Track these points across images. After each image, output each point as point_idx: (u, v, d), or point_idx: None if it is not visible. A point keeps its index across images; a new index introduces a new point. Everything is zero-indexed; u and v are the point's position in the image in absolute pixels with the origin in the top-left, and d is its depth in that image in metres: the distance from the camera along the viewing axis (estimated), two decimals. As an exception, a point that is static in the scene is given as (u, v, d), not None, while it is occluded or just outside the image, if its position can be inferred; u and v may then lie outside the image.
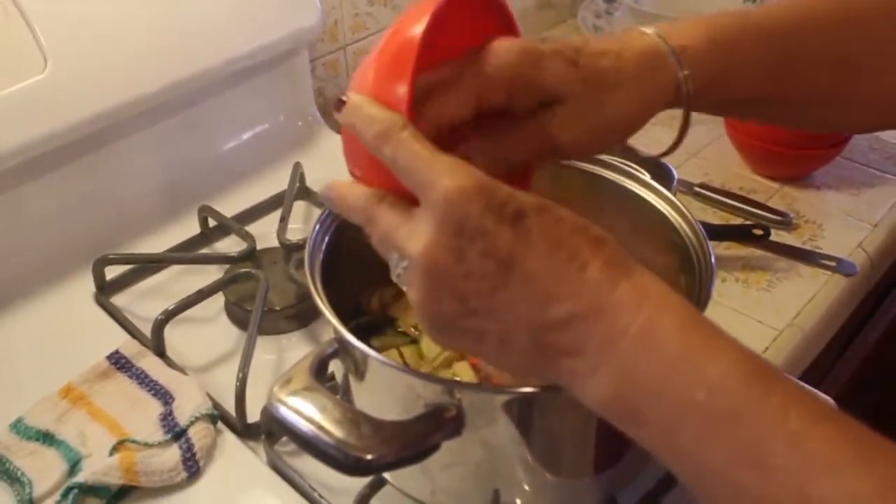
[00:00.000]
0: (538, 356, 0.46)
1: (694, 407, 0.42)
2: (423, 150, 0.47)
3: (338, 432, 0.50)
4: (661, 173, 0.71)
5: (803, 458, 0.40)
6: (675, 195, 0.67)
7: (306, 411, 0.51)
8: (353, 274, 0.70)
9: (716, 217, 1.09)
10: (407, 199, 0.49)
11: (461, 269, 0.45)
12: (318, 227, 0.64)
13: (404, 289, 0.49)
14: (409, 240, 0.47)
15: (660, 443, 0.44)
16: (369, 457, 0.49)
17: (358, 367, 0.57)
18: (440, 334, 0.49)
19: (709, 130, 1.26)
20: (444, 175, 0.45)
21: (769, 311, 0.95)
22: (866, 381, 1.15)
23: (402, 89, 0.49)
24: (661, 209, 0.67)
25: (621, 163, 0.70)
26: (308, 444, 0.51)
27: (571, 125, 0.57)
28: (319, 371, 0.55)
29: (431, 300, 0.46)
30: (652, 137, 1.29)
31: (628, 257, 0.47)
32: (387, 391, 0.57)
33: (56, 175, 0.90)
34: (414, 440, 0.51)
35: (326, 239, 0.64)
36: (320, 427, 0.50)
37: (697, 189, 1.12)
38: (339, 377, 0.63)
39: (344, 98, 0.51)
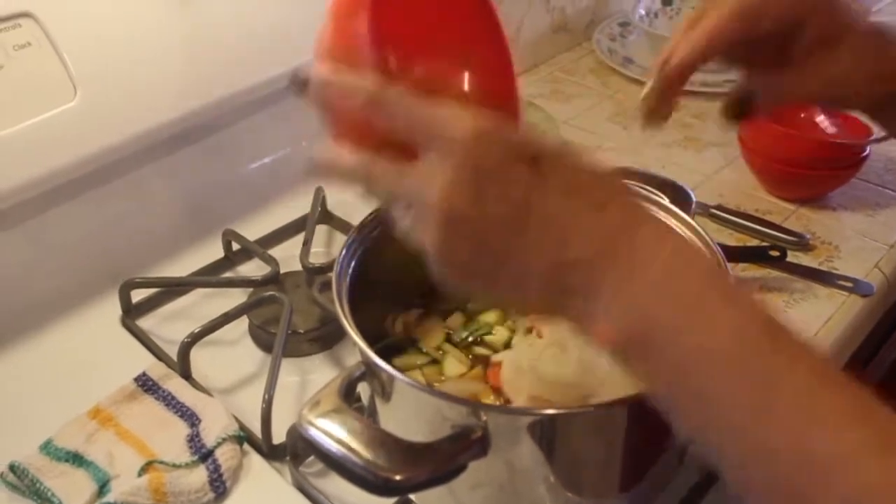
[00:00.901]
0: (550, 297, 0.46)
1: (708, 351, 0.43)
2: (421, 102, 0.46)
3: (366, 453, 0.51)
4: (680, 197, 0.72)
5: (806, 410, 0.41)
6: (693, 218, 0.68)
7: (335, 433, 0.52)
8: (377, 298, 0.71)
9: (732, 239, 1.10)
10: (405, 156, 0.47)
11: (479, 210, 0.44)
12: (344, 251, 0.66)
13: (411, 238, 0.48)
14: (423, 185, 0.46)
15: (669, 386, 0.45)
16: (398, 477, 0.50)
17: (385, 390, 0.58)
18: (454, 278, 0.48)
19: (724, 153, 1.27)
20: (458, 119, 0.45)
21: (787, 332, 0.96)
22: (885, 400, 1.15)
23: (363, 26, 0.48)
24: (680, 232, 0.68)
25: (640, 187, 0.71)
26: (337, 465, 0.52)
27: (850, 69, 0.60)
28: (347, 393, 0.56)
29: (447, 243, 0.46)
30: (671, 160, 1.30)
31: (644, 209, 0.48)
32: (413, 413, 0.58)
33: (83, 199, 0.92)
34: (441, 461, 0.52)
35: (352, 264, 0.66)
36: (349, 448, 0.51)
37: (714, 211, 1.12)
38: (365, 399, 0.64)
39: (302, 76, 0.49)
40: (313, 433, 0.53)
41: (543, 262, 0.45)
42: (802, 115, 1.18)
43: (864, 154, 1.13)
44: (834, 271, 1.03)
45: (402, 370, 0.63)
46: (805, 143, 1.12)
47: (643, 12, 1.53)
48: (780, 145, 1.12)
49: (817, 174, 1.13)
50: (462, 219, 0.45)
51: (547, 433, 0.55)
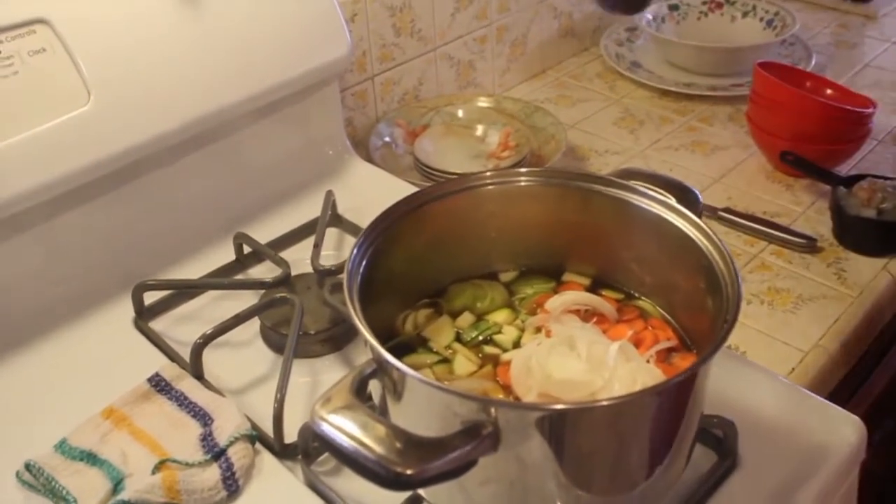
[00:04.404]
0: None
1: None
2: None
3: (378, 448, 0.52)
4: (687, 198, 0.72)
5: None
6: (700, 219, 0.69)
7: (347, 428, 0.53)
8: (387, 298, 0.72)
9: (740, 241, 1.10)
10: None
11: None
12: (355, 251, 0.66)
13: None
14: None
15: None
16: (409, 472, 0.51)
17: (396, 386, 0.59)
18: None
19: (732, 156, 1.27)
20: None
21: (795, 333, 0.96)
22: (894, 403, 1.15)
23: None
24: (688, 233, 0.69)
25: (648, 188, 0.72)
26: (349, 460, 0.53)
27: None
28: (359, 390, 0.57)
29: None
30: (678, 163, 1.31)
31: None
32: (424, 409, 0.59)
33: (96, 203, 0.93)
34: (452, 456, 0.53)
35: (363, 263, 0.66)
36: (361, 443, 0.52)
37: (722, 214, 1.13)
38: (376, 398, 0.65)
39: None
40: (326, 429, 0.53)
41: None
42: (809, 84, 1.25)
43: (869, 125, 1.18)
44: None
45: (412, 369, 0.64)
46: (813, 104, 1.17)
47: (650, 17, 1.54)
48: (788, 111, 1.17)
49: (823, 148, 1.16)
50: None
51: (557, 428, 0.56)
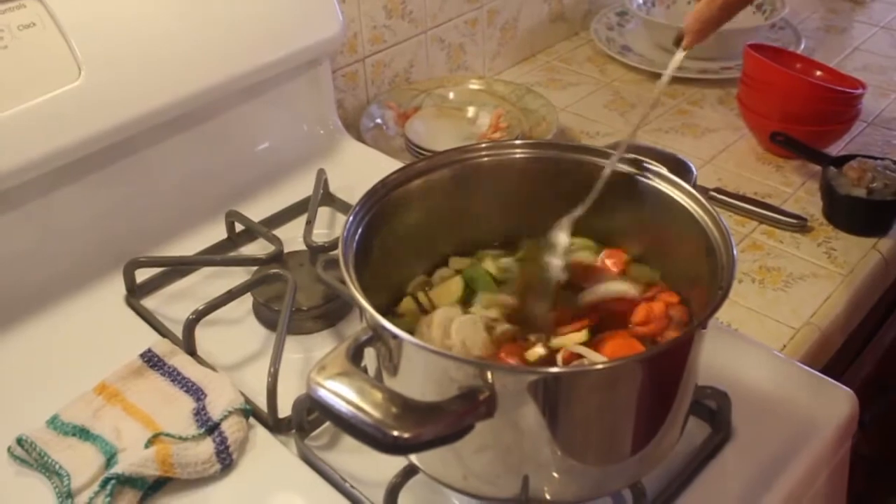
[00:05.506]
0: None
1: None
2: None
3: (375, 412, 0.51)
4: (681, 169, 0.72)
5: None
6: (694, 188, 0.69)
7: (344, 393, 0.53)
8: (380, 270, 0.72)
9: (731, 221, 1.11)
10: None
11: None
12: (351, 218, 0.66)
13: None
14: None
15: None
16: (406, 435, 0.51)
17: (391, 354, 0.59)
18: None
19: (722, 138, 1.28)
20: None
21: (786, 311, 0.97)
22: (884, 380, 1.16)
23: None
24: (683, 203, 0.69)
25: (641, 159, 0.72)
26: (347, 425, 0.52)
27: None
28: (354, 358, 0.57)
29: None
30: (668, 146, 1.31)
31: None
32: (421, 375, 0.58)
33: (88, 181, 0.92)
34: (449, 420, 0.53)
35: (359, 231, 0.66)
36: (358, 408, 0.52)
37: (713, 194, 1.13)
38: (371, 371, 0.64)
39: None
40: (322, 394, 0.53)
41: None
42: (799, 66, 1.26)
43: (858, 106, 1.19)
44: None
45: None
46: (803, 85, 1.18)
47: (640, 1, 1.54)
48: (778, 92, 1.18)
49: (813, 129, 1.17)
50: None
51: (552, 393, 0.56)
